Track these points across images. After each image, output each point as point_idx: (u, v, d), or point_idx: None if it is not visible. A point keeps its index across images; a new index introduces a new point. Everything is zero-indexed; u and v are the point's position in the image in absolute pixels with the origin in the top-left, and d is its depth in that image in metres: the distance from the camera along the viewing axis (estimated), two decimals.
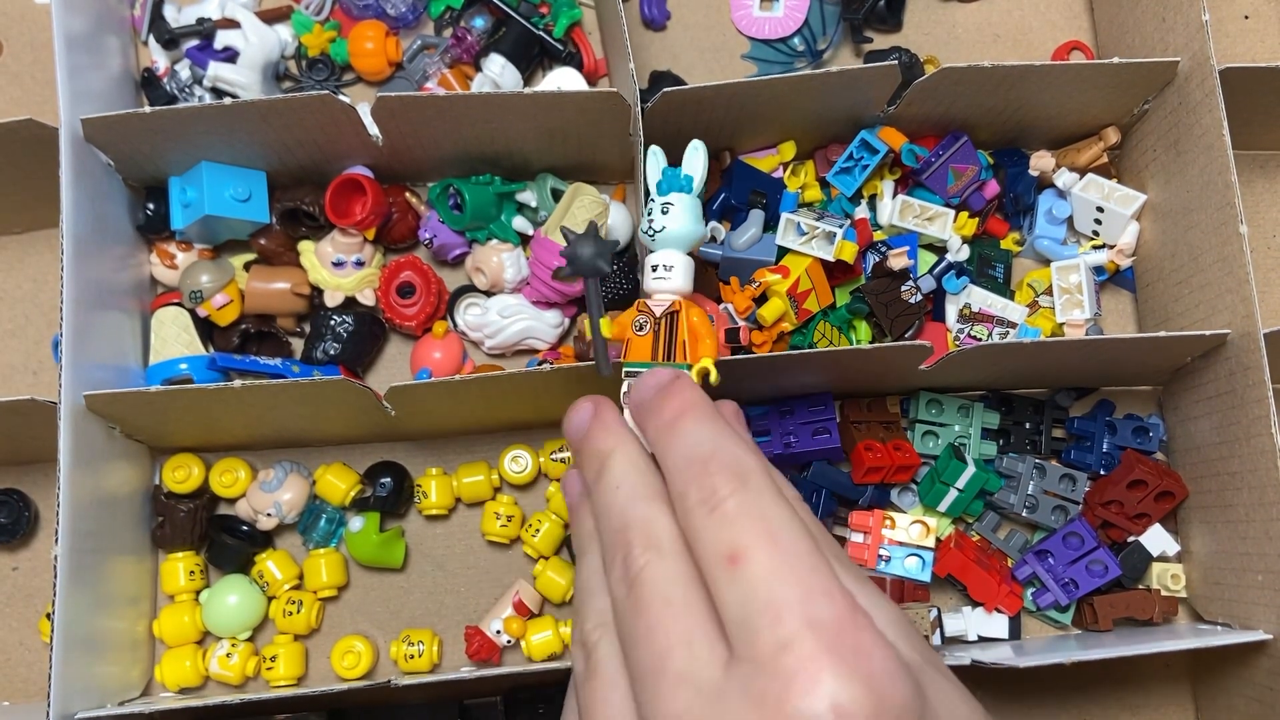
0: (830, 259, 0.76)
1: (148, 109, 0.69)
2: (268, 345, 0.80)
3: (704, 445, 0.37)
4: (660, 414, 0.39)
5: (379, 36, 0.82)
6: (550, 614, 0.78)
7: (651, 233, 0.50)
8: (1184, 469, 0.79)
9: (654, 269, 0.50)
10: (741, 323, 0.74)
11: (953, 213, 0.79)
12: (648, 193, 0.53)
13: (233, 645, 0.75)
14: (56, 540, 0.64)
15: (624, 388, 0.47)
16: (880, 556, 0.76)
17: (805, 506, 0.41)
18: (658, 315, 0.49)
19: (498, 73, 0.81)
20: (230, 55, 0.81)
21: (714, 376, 0.48)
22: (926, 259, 0.81)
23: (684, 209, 0.51)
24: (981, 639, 0.77)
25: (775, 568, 0.32)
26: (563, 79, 0.82)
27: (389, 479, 0.77)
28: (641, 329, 0.49)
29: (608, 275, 0.51)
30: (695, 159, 0.53)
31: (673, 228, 0.50)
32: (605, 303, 0.79)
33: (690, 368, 0.48)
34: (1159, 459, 0.81)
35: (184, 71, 0.82)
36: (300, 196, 0.78)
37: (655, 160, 0.53)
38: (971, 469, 0.74)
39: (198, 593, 0.77)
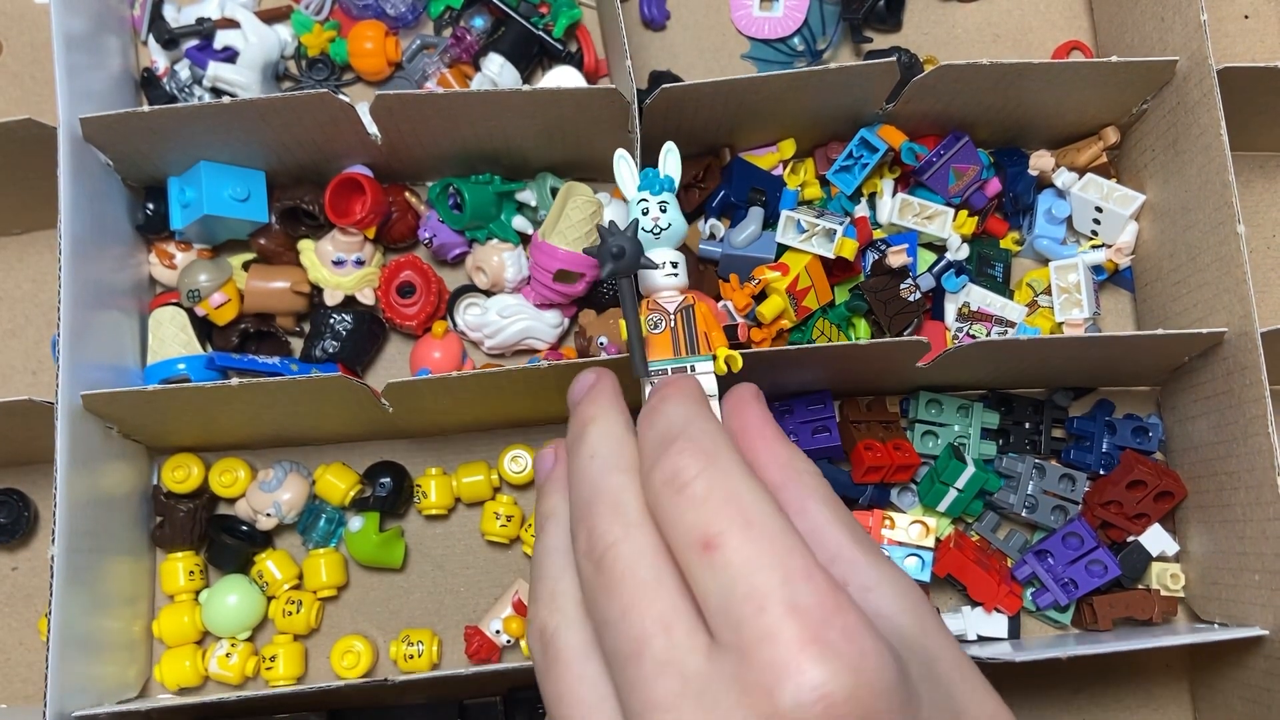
0: (830, 256, 0.76)
1: (147, 109, 0.69)
2: (267, 344, 0.80)
3: (675, 424, 0.35)
4: (647, 403, 0.39)
5: (378, 36, 0.82)
6: None
7: (658, 230, 0.51)
8: (1182, 469, 0.79)
9: (660, 266, 0.51)
10: (740, 320, 0.74)
11: (952, 211, 0.79)
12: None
13: (232, 645, 0.75)
14: (53, 540, 0.64)
15: (648, 389, 0.48)
16: None
17: (825, 484, 0.39)
18: (671, 311, 0.50)
19: (496, 72, 0.81)
20: (230, 55, 0.81)
21: (739, 363, 0.49)
22: (926, 257, 0.81)
23: (676, 207, 0.52)
24: (981, 639, 0.77)
25: (752, 553, 0.31)
26: (562, 78, 0.82)
27: (388, 479, 0.77)
28: (657, 327, 0.49)
29: (651, 269, 0.51)
30: (672, 160, 0.54)
31: (676, 225, 0.52)
32: (590, 305, 0.80)
33: (714, 358, 0.49)
34: (1158, 459, 0.81)
35: (184, 71, 0.82)
36: (300, 195, 0.78)
37: (627, 164, 0.54)
38: (971, 469, 0.74)
39: (197, 593, 0.76)
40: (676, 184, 0.53)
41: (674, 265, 0.50)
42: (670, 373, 0.48)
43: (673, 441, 0.34)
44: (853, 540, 0.36)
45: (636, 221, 0.51)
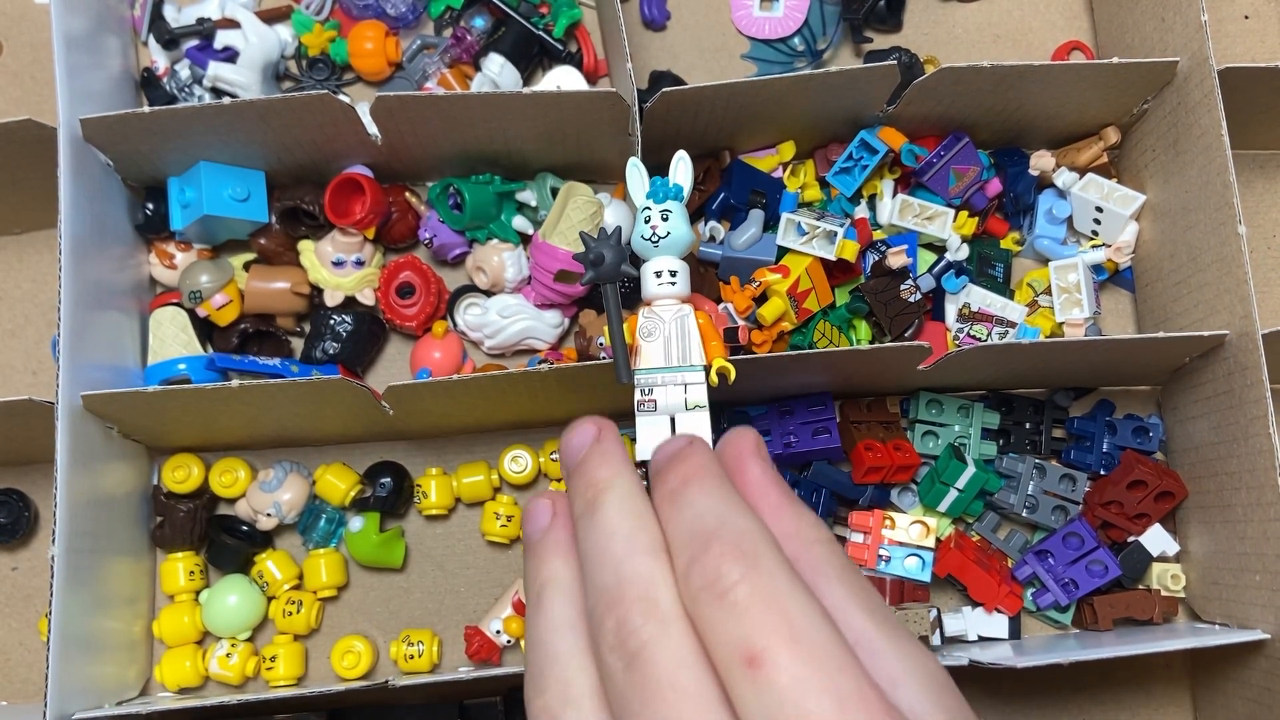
0: (831, 258, 0.76)
1: (147, 109, 0.69)
2: (267, 345, 0.80)
3: (708, 518, 0.33)
4: (666, 482, 0.35)
5: (379, 36, 0.82)
6: None
7: (655, 239, 0.51)
8: (1182, 469, 0.79)
9: (657, 275, 0.51)
10: (741, 322, 0.74)
11: (952, 212, 0.79)
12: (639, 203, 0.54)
13: (232, 645, 0.75)
14: (54, 540, 0.64)
15: (637, 395, 0.48)
16: (880, 556, 0.76)
17: (840, 553, 0.36)
18: (666, 320, 0.50)
19: (497, 72, 0.81)
20: (230, 55, 0.81)
21: (732, 375, 0.49)
22: (926, 258, 0.81)
23: (681, 216, 0.51)
24: (981, 639, 0.77)
25: (801, 673, 0.29)
26: (562, 78, 0.82)
27: (389, 479, 0.77)
28: (650, 335, 0.49)
29: (630, 279, 0.51)
30: (684, 169, 0.53)
31: (676, 234, 0.51)
32: (590, 305, 0.80)
33: (707, 370, 0.49)
34: (1158, 459, 0.81)
35: (184, 71, 0.82)
36: (300, 196, 0.78)
37: (639, 172, 0.54)
38: (971, 469, 0.74)
39: (197, 593, 0.76)
40: (686, 193, 0.53)
41: (673, 274, 0.50)
42: (661, 380, 0.48)
43: (710, 540, 0.32)
44: (875, 622, 0.34)
45: (619, 228, 0.51)
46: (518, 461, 0.78)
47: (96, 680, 0.69)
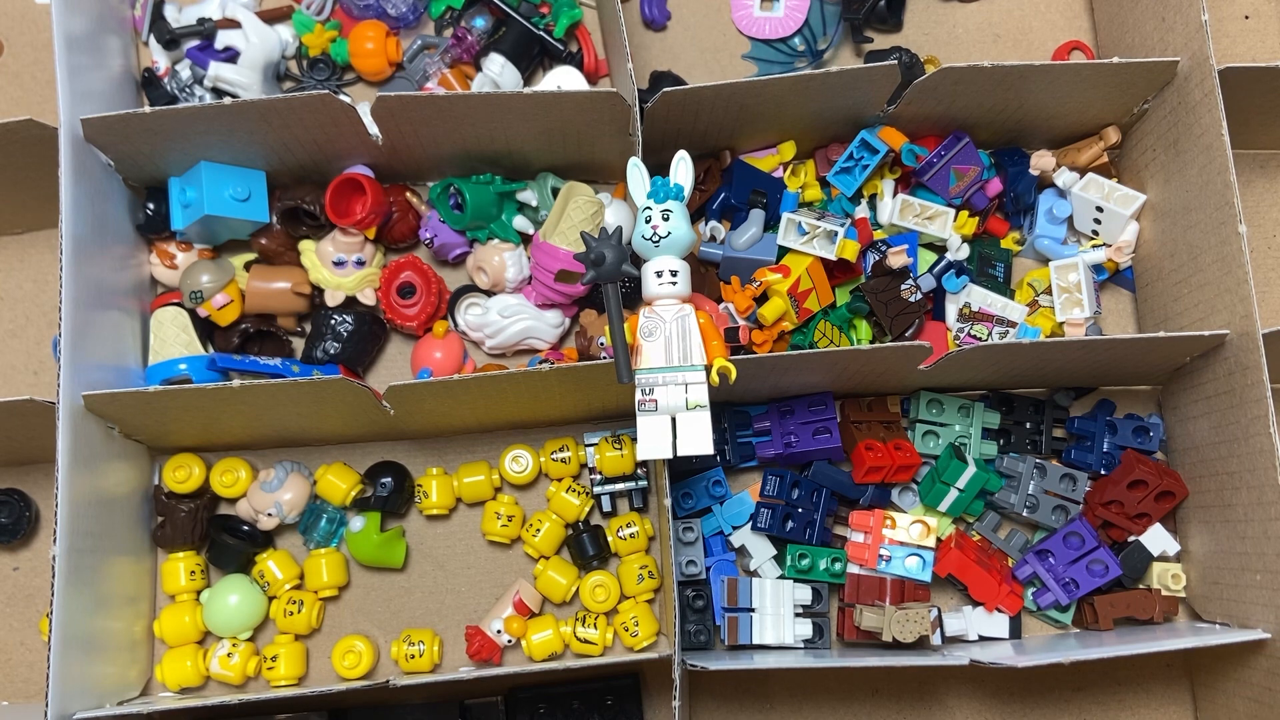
0: (832, 258, 0.76)
1: (148, 109, 0.69)
2: (268, 345, 0.80)
3: None
4: None
5: (379, 36, 0.82)
6: (551, 613, 0.78)
7: (656, 239, 0.51)
8: (1183, 468, 0.79)
9: (658, 275, 0.51)
10: (742, 322, 0.74)
11: (953, 212, 0.79)
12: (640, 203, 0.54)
13: (233, 645, 0.75)
14: (55, 540, 0.64)
15: (638, 395, 0.48)
16: (881, 556, 0.76)
17: None
18: (668, 320, 0.50)
19: (498, 72, 0.81)
20: (231, 55, 0.81)
21: (733, 375, 0.49)
22: (926, 258, 0.81)
23: (682, 216, 0.51)
24: (982, 638, 0.77)
25: None
26: (563, 78, 0.82)
27: (390, 479, 0.77)
28: (651, 335, 0.49)
29: (631, 279, 0.51)
30: (684, 169, 0.53)
31: (677, 234, 0.51)
32: (591, 305, 0.80)
33: (708, 369, 0.49)
34: (1159, 458, 0.81)
35: (185, 71, 0.82)
36: (300, 195, 0.78)
37: (640, 172, 0.54)
38: (972, 469, 0.74)
39: (198, 593, 0.77)
40: (686, 193, 0.53)
41: (673, 274, 0.50)
42: (662, 380, 0.48)
43: None
44: None
45: (620, 228, 0.51)
46: (518, 461, 0.78)
47: (98, 680, 0.69)
